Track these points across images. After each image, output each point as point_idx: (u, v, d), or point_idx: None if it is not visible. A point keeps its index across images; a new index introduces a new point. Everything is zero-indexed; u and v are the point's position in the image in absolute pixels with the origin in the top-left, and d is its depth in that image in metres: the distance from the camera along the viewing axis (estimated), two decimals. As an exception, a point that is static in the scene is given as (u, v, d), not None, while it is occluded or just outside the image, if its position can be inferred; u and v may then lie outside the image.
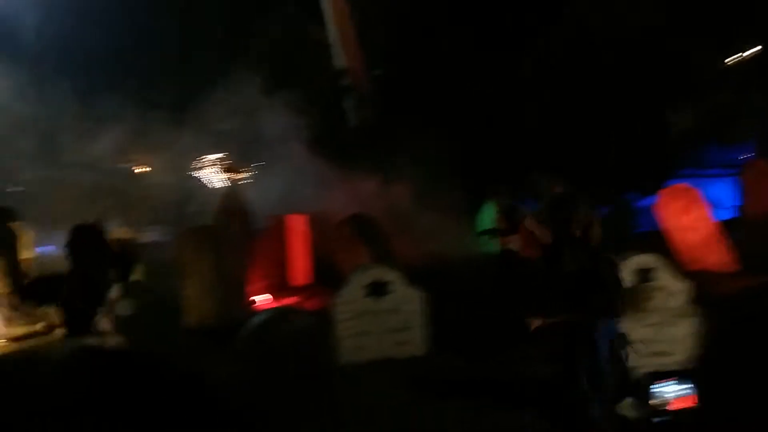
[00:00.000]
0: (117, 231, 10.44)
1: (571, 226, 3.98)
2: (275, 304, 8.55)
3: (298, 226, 10.45)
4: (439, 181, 12.61)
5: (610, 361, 3.86)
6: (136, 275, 8.24)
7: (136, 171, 18.53)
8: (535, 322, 4.03)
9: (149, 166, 18.46)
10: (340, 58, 16.89)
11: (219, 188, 16.78)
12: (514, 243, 7.04)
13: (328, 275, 9.12)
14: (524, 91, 14.81)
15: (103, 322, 3.62)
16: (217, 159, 17.91)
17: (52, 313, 3.61)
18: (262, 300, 8.88)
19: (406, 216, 12.21)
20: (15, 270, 7.50)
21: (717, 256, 9.28)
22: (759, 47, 17.14)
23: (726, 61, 17.42)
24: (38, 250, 8.88)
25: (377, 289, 6.39)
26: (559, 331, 4.00)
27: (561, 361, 4.03)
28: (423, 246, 10.71)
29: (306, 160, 13.13)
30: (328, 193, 12.22)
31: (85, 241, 3.59)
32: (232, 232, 8.75)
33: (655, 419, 4.01)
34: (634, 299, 4.60)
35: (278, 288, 9.59)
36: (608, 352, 3.87)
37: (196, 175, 17.96)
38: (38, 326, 6.99)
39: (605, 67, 14.23)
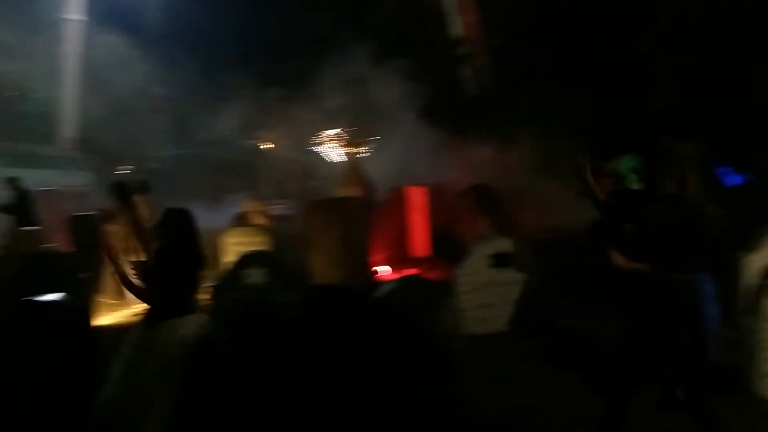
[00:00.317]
0: (247, 205, 11.01)
1: (663, 179, 3.62)
2: (395, 276, 8.66)
3: (417, 198, 10.49)
4: (561, 151, 12.19)
5: (689, 322, 3.52)
6: (264, 246, 8.65)
7: (261, 147, 19.30)
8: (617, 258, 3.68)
9: (273, 143, 19.17)
10: (458, 27, 16.69)
11: (339, 162, 17.15)
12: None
13: (446, 247, 9.10)
14: (655, 54, 13.95)
15: (212, 301, 3.71)
16: (336, 134, 18.27)
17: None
18: (382, 271, 9.02)
19: (527, 186, 11.93)
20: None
21: None
22: None
23: None
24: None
25: (499, 261, 6.31)
26: (640, 288, 3.60)
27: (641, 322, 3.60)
28: (545, 216, 10.43)
29: (424, 131, 13.10)
30: (448, 164, 12.15)
31: (176, 223, 3.68)
32: (357, 205, 8.92)
33: None
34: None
35: (398, 259, 9.70)
36: (691, 313, 3.54)
37: (317, 150, 18.44)
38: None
39: (746, 23, 13.08)
